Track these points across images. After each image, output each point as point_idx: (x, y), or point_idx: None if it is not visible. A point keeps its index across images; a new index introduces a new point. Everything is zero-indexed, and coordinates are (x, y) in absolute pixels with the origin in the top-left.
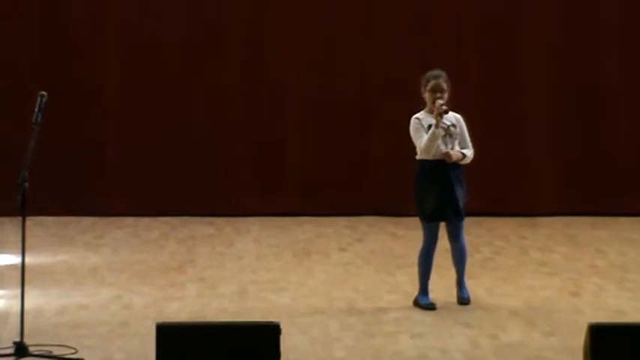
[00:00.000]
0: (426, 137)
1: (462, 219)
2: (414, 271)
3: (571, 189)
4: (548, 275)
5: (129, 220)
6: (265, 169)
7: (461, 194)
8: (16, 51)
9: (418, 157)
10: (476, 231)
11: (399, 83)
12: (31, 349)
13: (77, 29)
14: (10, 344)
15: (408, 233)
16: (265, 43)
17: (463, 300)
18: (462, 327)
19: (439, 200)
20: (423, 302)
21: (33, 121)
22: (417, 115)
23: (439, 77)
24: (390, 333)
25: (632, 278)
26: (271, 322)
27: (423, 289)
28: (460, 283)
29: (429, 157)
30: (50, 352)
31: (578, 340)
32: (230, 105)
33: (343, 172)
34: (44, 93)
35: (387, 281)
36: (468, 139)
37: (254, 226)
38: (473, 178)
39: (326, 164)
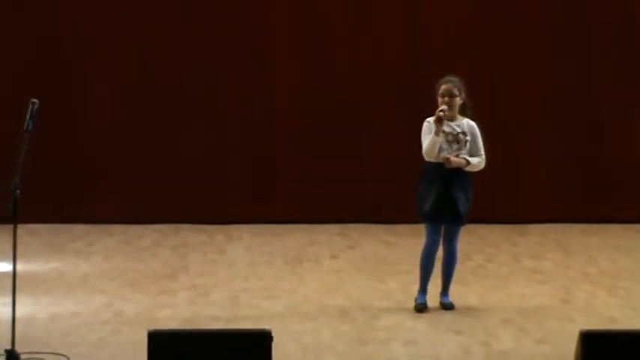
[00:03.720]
0: (426, 141)
1: (461, 224)
2: (406, 279)
3: (562, 196)
4: (540, 282)
5: (120, 228)
6: (257, 177)
7: (461, 199)
8: (9, 57)
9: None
10: (467, 238)
11: (390, 91)
12: (22, 356)
13: (70, 37)
14: (2, 352)
15: (400, 241)
16: (257, 53)
17: (445, 306)
18: (453, 334)
19: (438, 202)
20: (416, 301)
21: (24, 128)
22: (429, 118)
23: (449, 82)
24: (382, 340)
25: (623, 285)
26: (263, 329)
27: (421, 289)
28: (444, 289)
29: (432, 159)
30: (42, 359)
31: (570, 348)
32: (222, 113)
33: (335, 179)
34: (36, 100)
35: (378, 288)
36: (480, 147)
37: (246, 234)
38: None
39: (318, 171)
